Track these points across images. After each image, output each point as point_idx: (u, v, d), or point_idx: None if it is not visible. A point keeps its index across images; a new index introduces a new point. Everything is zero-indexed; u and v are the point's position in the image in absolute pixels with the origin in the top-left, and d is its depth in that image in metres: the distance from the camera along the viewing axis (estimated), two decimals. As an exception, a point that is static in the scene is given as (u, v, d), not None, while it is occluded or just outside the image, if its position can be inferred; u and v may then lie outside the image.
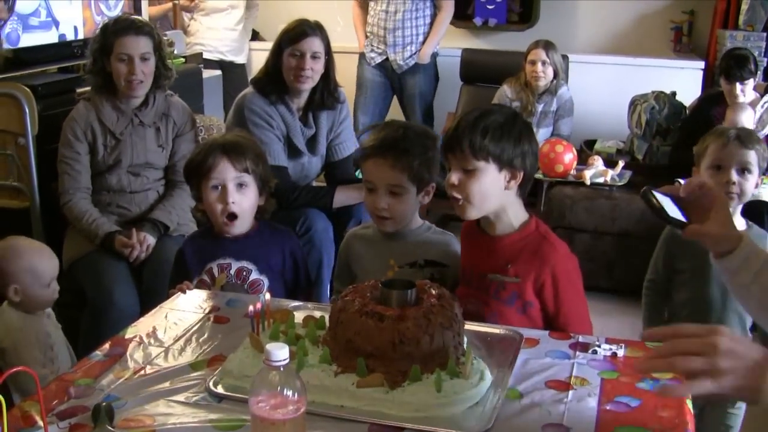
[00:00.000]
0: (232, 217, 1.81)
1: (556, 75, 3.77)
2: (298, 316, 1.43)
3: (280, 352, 0.99)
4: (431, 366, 1.20)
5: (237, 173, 1.81)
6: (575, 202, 3.41)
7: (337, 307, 1.28)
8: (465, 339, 1.31)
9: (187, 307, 1.61)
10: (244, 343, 1.33)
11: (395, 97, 4.22)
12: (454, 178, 1.53)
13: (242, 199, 1.82)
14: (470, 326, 1.39)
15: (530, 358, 1.35)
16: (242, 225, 1.85)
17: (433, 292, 1.29)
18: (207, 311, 1.58)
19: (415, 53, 4.05)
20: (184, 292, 1.68)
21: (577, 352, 1.38)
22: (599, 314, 1.84)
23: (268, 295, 1.44)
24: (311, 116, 2.63)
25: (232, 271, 1.82)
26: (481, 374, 1.22)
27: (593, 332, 1.53)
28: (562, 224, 3.42)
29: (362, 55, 4.14)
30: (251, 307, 1.36)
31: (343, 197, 2.55)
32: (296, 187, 2.55)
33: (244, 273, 1.82)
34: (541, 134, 3.74)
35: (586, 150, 3.88)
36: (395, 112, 4.25)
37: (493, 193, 1.53)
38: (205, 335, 1.47)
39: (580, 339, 1.43)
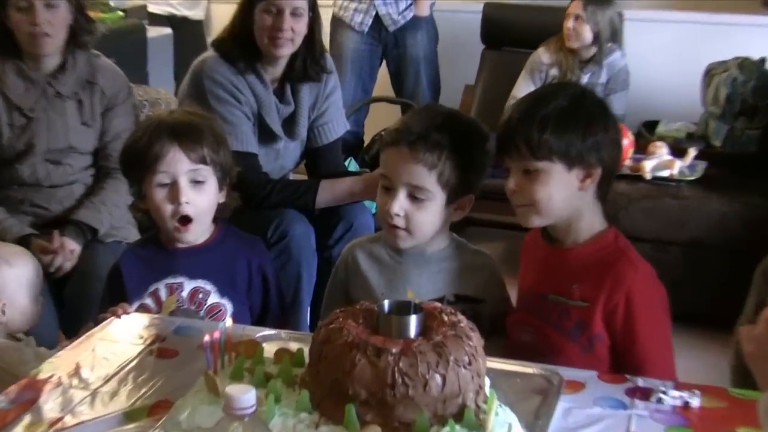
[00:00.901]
0: (186, 220, 1.82)
1: (596, 38, 3.76)
2: (269, 349, 1.43)
3: (245, 397, 1.00)
4: (443, 416, 1.20)
5: (192, 165, 1.81)
6: (631, 202, 3.41)
7: (319, 338, 1.28)
8: (487, 380, 1.30)
9: (121, 337, 1.61)
10: (198, 384, 1.33)
11: (385, 67, 4.21)
12: (512, 183, 1.60)
13: (198, 197, 1.82)
14: (494, 363, 1.39)
15: (574, 408, 1.35)
16: (198, 231, 1.85)
17: (446, 318, 1.29)
18: (149, 342, 1.58)
19: (411, 4, 4.04)
20: (119, 317, 1.67)
21: (636, 400, 1.38)
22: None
23: (229, 321, 1.43)
24: (289, 89, 2.63)
25: (185, 293, 1.82)
26: (508, 429, 1.22)
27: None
28: None
29: (337, 20, 4.11)
30: (207, 337, 1.35)
31: (328, 195, 2.55)
32: (269, 181, 2.55)
33: (201, 295, 1.82)
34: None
35: (645, 134, 3.88)
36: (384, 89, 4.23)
37: (564, 196, 1.59)
38: (146, 374, 1.46)
39: (640, 383, 1.43)
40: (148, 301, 1.82)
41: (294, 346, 1.43)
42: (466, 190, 1.71)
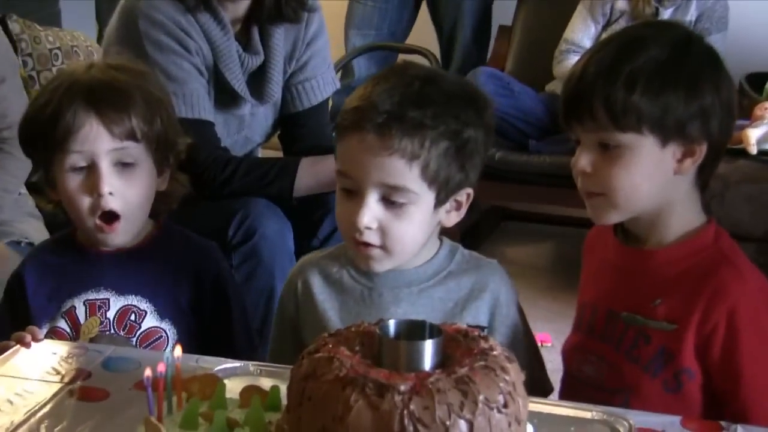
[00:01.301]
0: (111, 217, 1.82)
1: None
2: (233, 387, 1.43)
3: None
4: None
5: (115, 142, 1.81)
6: (730, 185, 3.42)
7: (302, 372, 1.28)
8: (530, 428, 1.31)
9: (31, 372, 1.61)
10: None
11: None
12: (584, 161, 1.58)
13: (126, 186, 1.82)
14: (540, 405, 1.39)
15: None
16: (129, 230, 1.86)
17: (473, 344, 1.29)
18: (68, 379, 1.59)
19: None
20: (27, 346, 1.68)
21: None
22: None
23: (178, 350, 1.45)
24: (257, 34, 2.64)
25: (112, 314, 1.84)
26: None
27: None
28: None
29: None
30: (148, 372, 1.37)
31: (310, 178, 2.56)
32: (230, 160, 2.57)
33: (133, 317, 1.84)
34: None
35: (750, 92, 3.88)
36: (423, 35, 4.25)
37: (655, 183, 1.57)
38: (65, 422, 1.46)
39: None
40: (61, 323, 1.83)
41: (266, 383, 1.44)
42: (461, 184, 1.66)
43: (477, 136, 1.63)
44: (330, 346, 1.29)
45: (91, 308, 1.84)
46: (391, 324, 1.29)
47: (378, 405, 1.19)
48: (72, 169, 1.81)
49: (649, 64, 1.55)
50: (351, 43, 4.38)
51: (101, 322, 1.83)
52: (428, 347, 1.26)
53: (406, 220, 1.62)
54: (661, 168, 1.57)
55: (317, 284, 1.76)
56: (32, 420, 1.47)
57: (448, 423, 1.19)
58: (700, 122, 1.55)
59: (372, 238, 1.63)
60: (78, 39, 3.14)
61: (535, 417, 1.35)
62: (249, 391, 1.41)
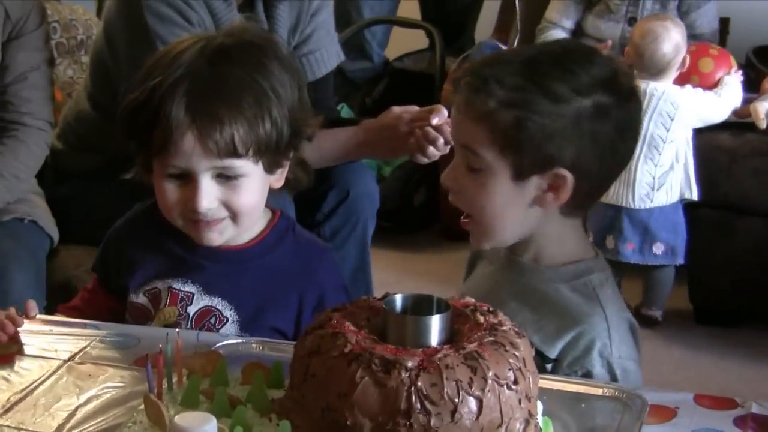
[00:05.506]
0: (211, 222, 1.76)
1: None
2: (234, 364, 1.43)
3: (202, 430, 1.02)
4: None
5: (215, 161, 1.70)
6: (737, 159, 3.42)
7: (306, 348, 1.27)
8: (540, 405, 1.30)
9: (27, 349, 1.61)
10: (136, 413, 1.33)
11: None
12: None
13: (229, 197, 1.73)
14: (550, 382, 1.40)
15: None
16: (229, 233, 1.79)
17: (482, 319, 1.29)
18: (66, 356, 1.59)
19: None
20: (16, 325, 1.64)
21: None
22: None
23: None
24: (261, 5, 2.62)
25: (192, 310, 1.79)
26: None
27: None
28: (713, 199, 3.46)
29: None
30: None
31: (314, 152, 2.47)
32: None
33: (213, 320, 1.79)
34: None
35: (757, 64, 3.86)
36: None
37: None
38: (63, 400, 1.46)
39: (755, 409, 1.43)
40: (142, 299, 1.81)
41: (269, 359, 1.44)
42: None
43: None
44: (335, 321, 1.29)
45: (173, 298, 1.80)
46: (398, 298, 1.29)
47: (384, 382, 1.19)
48: (169, 176, 1.74)
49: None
50: (363, 12, 4.34)
51: (179, 314, 1.79)
52: (435, 322, 1.26)
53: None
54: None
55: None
56: (29, 398, 1.47)
57: (456, 400, 1.18)
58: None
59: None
60: (77, 12, 3.13)
61: (545, 393, 1.35)
62: (251, 368, 1.41)
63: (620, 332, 1.61)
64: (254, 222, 1.82)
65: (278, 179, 1.82)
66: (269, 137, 1.72)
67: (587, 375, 1.56)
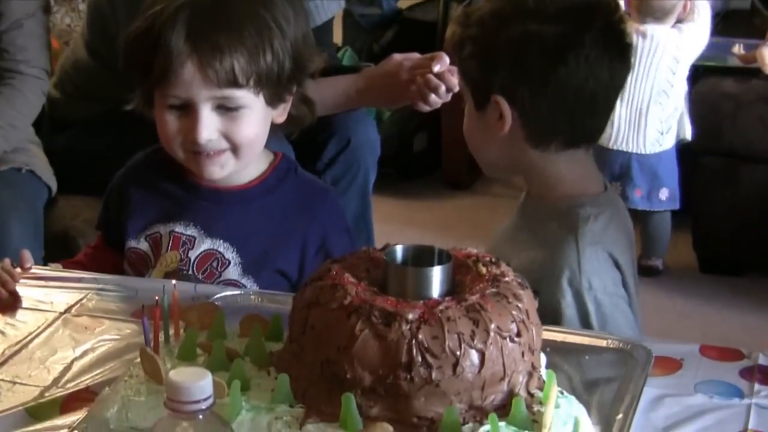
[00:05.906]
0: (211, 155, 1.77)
1: None
2: (232, 316, 1.42)
3: (199, 386, 1.00)
4: (481, 409, 1.20)
5: (215, 90, 1.72)
6: (742, 105, 3.40)
7: (304, 300, 1.27)
8: (544, 358, 1.30)
9: (22, 301, 1.63)
10: (132, 366, 1.33)
11: None
12: None
13: (229, 128, 1.75)
14: (554, 334, 1.40)
15: (666, 396, 1.35)
16: (230, 167, 1.79)
17: (484, 270, 1.28)
18: (62, 308, 1.59)
19: None
20: (14, 279, 1.65)
21: (757, 385, 1.37)
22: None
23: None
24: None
25: (194, 254, 1.80)
26: (573, 426, 1.21)
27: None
28: (717, 147, 3.47)
29: None
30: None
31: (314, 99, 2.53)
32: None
33: (215, 263, 1.80)
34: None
35: (762, 11, 3.85)
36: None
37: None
38: (58, 353, 1.46)
39: (761, 360, 1.43)
40: (143, 245, 1.82)
41: (267, 311, 1.43)
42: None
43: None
44: (334, 272, 1.28)
45: (175, 242, 1.81)
46: (398, 249, 1.29)
47: (385, 334, 1.19)
48: (170, 107, 1.76)
49: None
50: None
51: (181, 259, 1.80)
52: (437, 274, 1.25)
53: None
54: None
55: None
56: (24, 351, 1.48)
57: (458, 353, 1.18)
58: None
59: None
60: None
61: (548, 345, 1.34)
62: (249, 320, 1.40)
63: (594, 264, 1.63)
64: (255, 155, 1.83)
65: (281, 114, 1.83)
66: (270, 69, 1.74)
67: (557, 307, 1.59)
